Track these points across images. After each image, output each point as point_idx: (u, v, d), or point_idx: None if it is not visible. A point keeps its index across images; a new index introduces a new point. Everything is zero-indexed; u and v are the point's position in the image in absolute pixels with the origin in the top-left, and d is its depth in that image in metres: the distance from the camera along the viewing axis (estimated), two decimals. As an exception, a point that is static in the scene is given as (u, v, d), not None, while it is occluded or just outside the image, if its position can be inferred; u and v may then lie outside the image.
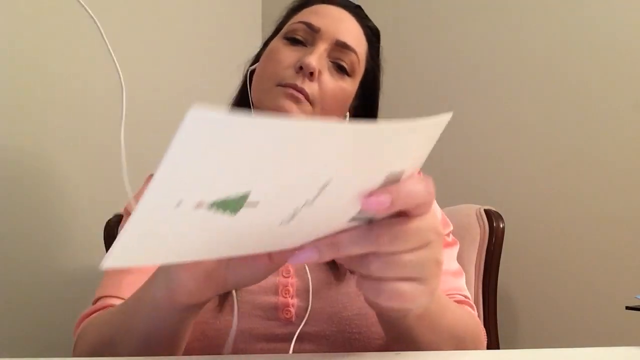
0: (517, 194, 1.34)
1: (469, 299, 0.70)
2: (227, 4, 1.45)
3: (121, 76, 0.46)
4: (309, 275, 0.65)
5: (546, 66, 1.33)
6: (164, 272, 0.45)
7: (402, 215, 0.38)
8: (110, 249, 0.29)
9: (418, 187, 0.36)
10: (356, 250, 0.37)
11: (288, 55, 0.71)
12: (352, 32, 0.74)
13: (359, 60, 0.74)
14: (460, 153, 1.42)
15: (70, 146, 1.02)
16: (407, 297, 0.38)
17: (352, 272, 0.65)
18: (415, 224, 0.38)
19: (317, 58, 0.69)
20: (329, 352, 0.62)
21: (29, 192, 0.99)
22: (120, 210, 1.05)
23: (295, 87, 0.68)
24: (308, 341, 0.62)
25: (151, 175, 0.83)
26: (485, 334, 0.65)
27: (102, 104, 1.12)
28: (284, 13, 0.81)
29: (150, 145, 1.21)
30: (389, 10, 1.56)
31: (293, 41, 0.72)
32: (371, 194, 0.35)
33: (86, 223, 1.06)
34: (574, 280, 1.27)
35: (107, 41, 0.48)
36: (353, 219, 0.37)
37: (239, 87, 0.80)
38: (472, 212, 1.10)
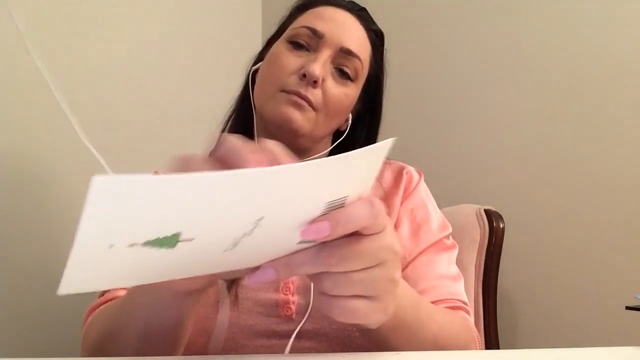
0: (517, 194, 1.34)
1: (466, 304, 0.69)
2: (227, 3, 1.45)
3: (45, 72, 0.46)
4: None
5: (546, 66, 1.33)
6: None
7: (355, 234, 0.38)
8: (62, 277, 0.30)
9: (360, 212, 0.37)
10: (308, 270, 0.39)
11: (292, 61, 0.71)
12: (356, 38, 0.74)
13: (362, 65, 0.74)
14: (460, 153, 1.42)
15: (70, 146, 1.02)
16: (358, 314, 0.39)
17: None
18: (366, 244, 0.38)
19: (320, 66, 0.69)
20: (328, 349, 0.62)
21: (28, 193, 0.99)
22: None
23: (299, 95, 0.69)
24: (308, 338, 0.63)
25: (155, 172, 0.83)
26: (481, 339, 0.65)
27: (101, 103, 1.12)
28: (287, 13, 0.80)
29: (154, 142, 1.21)
30: (389, 11, 1.56)
31: (296, 46, 0.72)
32: (311, 222, 0.36)
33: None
34: (574, 280, 1.27)
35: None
36: (302, 242, 0.37)
37: (242, 87, 0.80)
38: (472, 212, 1.11)
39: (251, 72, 0.78)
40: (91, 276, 0.31)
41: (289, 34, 0.74)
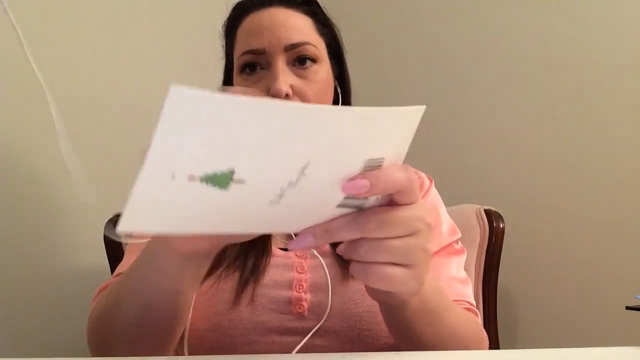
0: (517, 194, 1.34)
1: (474, 306, 0.70)
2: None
3: (39, 77, 0.46)
4: (327, 272, 0.66)
5: (546, 66, 1.33)
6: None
7: (391, 204, 0.41)
8: (121, 215, 0.31)
9: (398, 174, 0.39)
10: (346, 235, 0.40)
11: (256, 88, 0.71)
12: (292, 26, 0.72)
13: (314, 44, 0.72)
14: (460, 153, 1.42)
15: (70, 146, 1.02)
16: (394, 280, 0.41)
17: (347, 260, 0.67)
18: (402, 212, 0.41)
19: (281, 79, 0.68)
20: (338, 347, 0.63)
21: (28, 192, 0.99)
22: (120, 210, 1.05)
23: None
24: (318, 336, 0.63)
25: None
26: (488, 340, 0.66)
27: (101, 103, 1.12)
28: (223, 41, 0.80)
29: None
30: (392, 10, 1.56)
31: (251, 70, 0.72)
32: (351, 178, 0.38)
33: (86, 223, 1.06)
34: (574, 280, 1.27)
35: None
36: (341, 205, 0.40)
37: None
38: (472, 212, 1.10)
39: None
40: (150, 215, 0.33)
41: (238, 65, 0.73)
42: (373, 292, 0.48)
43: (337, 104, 0.79)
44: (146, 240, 0.57)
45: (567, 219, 1.28)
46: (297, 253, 0.69)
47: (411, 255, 0.41)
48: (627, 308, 0.60)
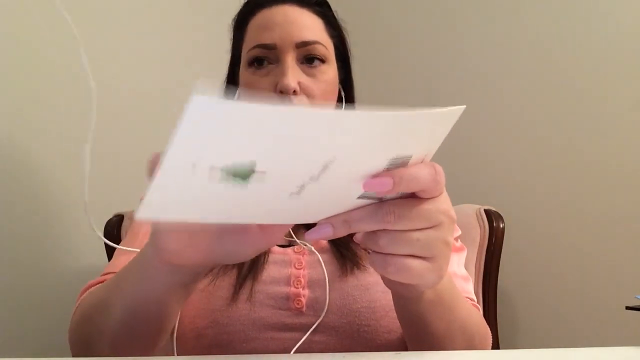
0: (517, 194, 1.34)
1: (476, 302, 0.71)
2: (215, 6, 1.45)
3: (91, 78, 0.46)
4: (324, 268, 0.66)
5: (546, 66, 1.33)
6: (153, 232, 0.45)
7: (414, 196, 0.40)
8: (141, 204, 0.32)
9: (423, 173, 0.39)
10: (366, 227, 0.40)
11: (262, 83, 0.71)
12: (304, 25, 0.72)
13: (324, 45, 0.73)
14: (460, 153, 1.42)
15: (69, 146, 1.02)
16: (413, 272, 0.40)
17: (366, 250, 0.67)
18: (425, 205, 0.40)
19: (290, 75, 0.69)
20: (337, 343, 0.63)
21: (28, 192, 0.99)
22: (120, 210, 1.05)
23: None
24: (318, 332, 0.63)
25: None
26: (491, 336, 0.66)
27: (101, 104, 1.12)
28: (231, 35, 0.80)
29: (146, 147, 1.21)
30: (391, 9, 1.56)
31: (259, 64, 0.72)
32: (374, 175, 0.37)
33: (86, 223, 1.06)
34: (574, 280, 1.27)
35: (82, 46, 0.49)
36: (362, 196, 0.39)
37: None
38: (472, 212, 1.10)
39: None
40: (169, 203, 0.33)
41: (246, 58, 0.74)
42: (389, 282, 0.48)
43: (340, 106, 0.79)
44: (134, 249, 0.57)
45: (567, 219, 1.28)
46: (295, 249, 0.69)
47: (431, 248, 0.41)
48: (627, 308, 0.60)
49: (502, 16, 1.40)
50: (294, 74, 0.69)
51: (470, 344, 0.56)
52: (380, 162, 0.37)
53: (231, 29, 0.80)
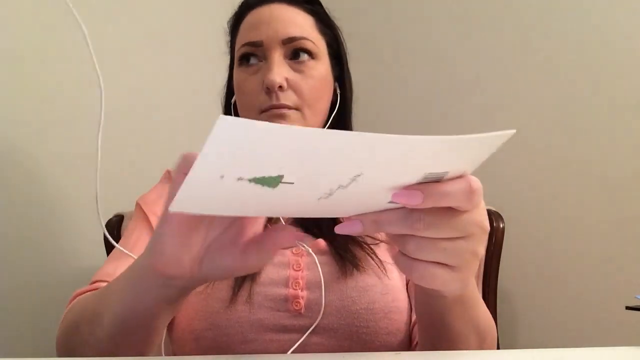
0: (517, 194, 1.34)
1: None
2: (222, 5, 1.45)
3: (100, 78, 0.47)
4: (320, 269, 0.66)
5: (546, 66, 1.33)
6: (150, 239, 0.45)
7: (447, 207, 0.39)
8: (174, 198, 0.34)
9: (455, 188, 0.38)
10: (395, 229, 0.40)
11: (252, 81, 0.72)
12: (291, 21, 0.73)
13: (313, 41, 0.73)
14: (460, 153, 1.42)
15: (70, 146, 1.02)
16: (437, 280, 0.40)
17: (345, 258, 0.67)
18: (457, 217, 0.39)
19: (275, 71, 0.69)
20: (336, 344, 0.63)
21: (28, 192, 0.99)
22: (120, 210, 1.05)
23: (274, 107, 0.70)
24: (316, 333, 0.63)
25: (168, 171, 0.84)
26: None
27: (102, 103, 1.12)
28: (228, 37, 0.82)
29: (148, 145, 1.21)
30: (392, 10, 1.56)
31: (247, 63, 0.73)
32: (405, 188, 0.37)
33: (86, 223, 1.06)
34: (574, 280, 1.27)
35: (90, 44, 0.49)
36: (392, 202, 0.39)
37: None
38: (472, 212, 1.10)
39: (232, 103, 0.80)
40: (200, 200, 0.35)
41: (237, 57, 0.75)
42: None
43: (336, 104, 0.79)
44: (130, 254, 0.57)
45: (567, 219, 1.28)
46: (293, 251, 0.69)
47: (459, 258, 0.40)
48: (627, 308, 0.60)
49: (501, 16, 1.40)
50: (279, 70, 0.70)
51: (481, 344, 0.56)
52: (413, 177, 0.37)
53: (227, 32, 0.81)
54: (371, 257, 0.68)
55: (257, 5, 0.76)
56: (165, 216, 0.41)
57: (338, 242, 0.69)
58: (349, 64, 0.82)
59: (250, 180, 0.33)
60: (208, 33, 1.42)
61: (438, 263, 0.40)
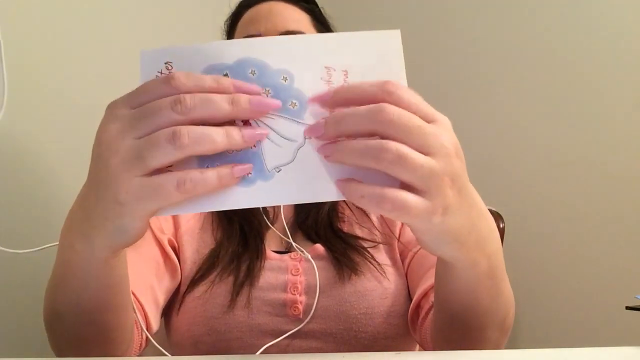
0: (517, 194, 1.34)
1: None
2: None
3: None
4: (317, 273, 0.66)
5: (546, 67, 1.33)
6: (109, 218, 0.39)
7: None
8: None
9: (366, 85, 0.36)
10: (358, 126, 0.35)
11: None
12: (288, 17, 0.74)
13: None
14: (460, 153, 1.42)
15: (70, 146, 1.02)
16: (407, 208, 0.35)
17: (343, 263, 0.66)
18: (428, 126, 0.36)
19: None
20: (335, 349, 0.63)
21: (28, 192, 0.99)
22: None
23: None
24: (315, 338, 0.63)
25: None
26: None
27: (102, 103, 1.12)
28: (224, 36, 0.82)
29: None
30: (389, 9, 1.56)
31: None
32: (311, 99, 0.38)
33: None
34: (574, 280, 1.27)
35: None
36: None
37: None
38: (472, 212, 1.10)
39: None
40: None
41: None
42: (439, 251, 0.42)
43: None
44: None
45: (567, 219, 1.28)
46: (291, 256, 0.69)
47: (431, 180, 0.35)
48: (627, 308, 0.60)
49: (501, 16, 1.40)
50: None
51: (502, 325, 0.51)
52: (315, 71, 0.38)
53: (224, 32, 0.82)
54: (369, 261, 0.68)
55: (256, 3, 0.77)
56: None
57: (336, 247, 0.68)
58: None
59: None
60: (209, 34, 1.42)
61: (408, 188, 0.35)
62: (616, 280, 1.21)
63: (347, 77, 0.38)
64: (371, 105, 0.35)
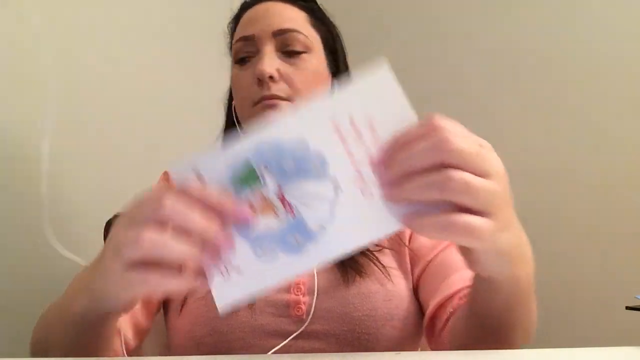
0: (517, 194, 1.34)
1: None
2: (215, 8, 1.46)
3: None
4: (315, 274, 0.66)
5: (546, 66, 1.33)
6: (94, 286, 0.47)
7: None
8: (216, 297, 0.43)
9: (414, 129, 0.40)
10: (426, 160, 0.39)
11: (244, 76, 0.73)
12: (283, 15, 0.74)
13: (305, 34, 0.73)
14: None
15: (70, 146, 1.02)
16: (475, 230, 0.38)
17: (347, 264, 0.66)
18: (483, 151, 0.40)
19: (266, 62, 0.70)
20: (338, 350, 0.63)
21: (28, 192, 0.99)
22: (120, 210, 1.05)
23: (266, 98, 0.70)
24: (317, 339, 0.63)
25: (166, 172, 0.85)
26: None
27: (102, 103, 1.12)
28: (228, 39, 0.83)
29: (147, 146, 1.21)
30: (393, 12, 1.56)
31: (242, 62, 0.74)
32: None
33: (86, 223, 1.06)
34: (574, 280, 1.27)
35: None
36: None
37: (224, 119, 0.83)
38: (472, 212, 1.11)
39: (234, 106, 0.80)
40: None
41: (233, 54, 0.76)
42: (479, 268, 0.46)
43: None
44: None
45: (567, 219, 1.28)
46: None
47: (491, 200, 0.39)
48: (627, 308, 0.60)
49: (502, 16, 1.40)
50: (270, 61, 0.70)
51: (526, 338, 0.55)
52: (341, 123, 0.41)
53: (228, 36, 0.82)
54: (374, 263, 0.67)
55: (254, 4, 0.77)
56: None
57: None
58: (348, 61, 0.82)
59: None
60: (211, 35, 1.42)
61: (472, 211, 0.38)
62: (616, 280, 1.21)
63: (354, 122, 0.41)
64: (434, 139, 0.39)
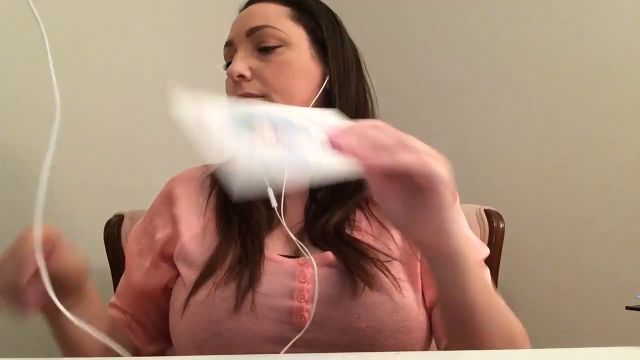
0: (517, 194, 1.34)
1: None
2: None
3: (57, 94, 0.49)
4: (316, 281, 0.64)
5: (547, 65, 1.33)
6: None
7: None
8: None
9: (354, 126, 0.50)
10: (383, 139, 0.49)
11: (227, 80, 0.75)
12: (256, 14, 0.74)
13: (279, 28, 0.73)
14: (460, 153, 1.42)
15: (70, 145, 1.02)
16: (422, 156, 0.47)
17: (355, 272, 0.66)
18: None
19: (237, 62, 0.72)
20: None
21: (28, 192, 0.99)
22: (120, 210, 1.05)
23: (240, 96, 0.71)
24: (320, 348, 0.62)
25: (172, 180, 0.85)
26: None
27: (102, 103, 1.12)
28: None
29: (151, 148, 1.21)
30: (393, 11, 1.56)
31: (227, 66, 0.76)
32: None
33: (86, 223, 1.06)
34: (574, 280, 1.26)
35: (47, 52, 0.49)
36: None
37: None
38: (472, 212, 1.10)
39: None
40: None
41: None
42: (427, 250, 0.53)
43: (328, 93, 0.77)
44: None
45: (567, 219, 1.28)
46: (300, 261, 0.67)
47: (438, 171, 0.47)
48: (627, 308, 0.60)
49: (503, 15, 1.40)
50: (242, 61, 0.72)
51: (509, 338, 0.59)
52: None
53: None
54: (384, 274, 0.65)
55: (245, 7, 0.79)
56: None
57: (349, 257, 0.66)
58: (357, 53, 0.82)
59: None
60: (214, 36, 1.42)
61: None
62: (616, 280, 1.21)
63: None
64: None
